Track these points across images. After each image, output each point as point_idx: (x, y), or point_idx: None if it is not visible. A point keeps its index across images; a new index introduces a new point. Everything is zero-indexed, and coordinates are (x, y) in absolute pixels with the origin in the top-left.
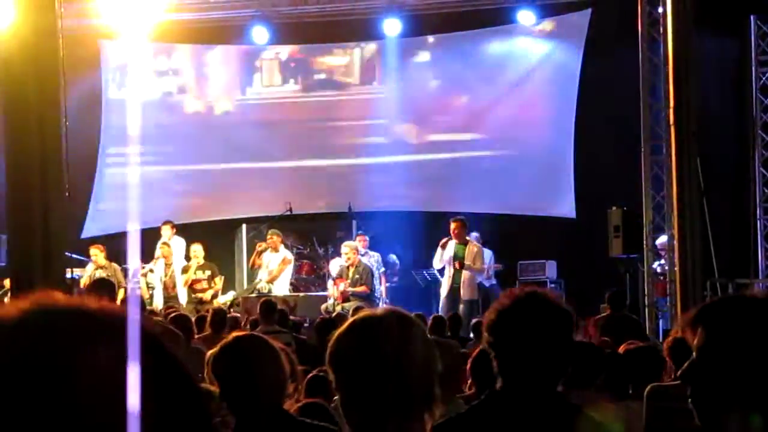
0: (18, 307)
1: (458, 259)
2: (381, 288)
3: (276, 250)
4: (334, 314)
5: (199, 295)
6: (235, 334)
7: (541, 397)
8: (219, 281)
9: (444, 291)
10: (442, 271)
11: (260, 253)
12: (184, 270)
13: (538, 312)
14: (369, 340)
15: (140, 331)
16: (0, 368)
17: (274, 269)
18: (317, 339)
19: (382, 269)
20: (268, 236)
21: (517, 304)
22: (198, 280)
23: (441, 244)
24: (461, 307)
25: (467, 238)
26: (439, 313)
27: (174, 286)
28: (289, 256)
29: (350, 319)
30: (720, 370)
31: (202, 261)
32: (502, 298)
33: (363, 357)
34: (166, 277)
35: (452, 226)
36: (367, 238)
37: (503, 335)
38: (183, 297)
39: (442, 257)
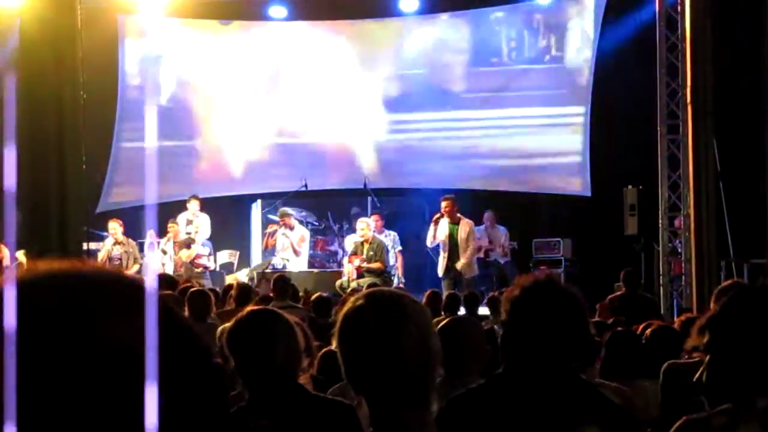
0: (40, 269)
1: (451, 237)
2: (398, 266)
3: (291, 227)
4: (348, 290)
5: (202, 270)
6: (249, 308)
7: (556, 373)
8: (212, 259)
9: (440, 271)
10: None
11: (272, 234)
12: (187, 244)
13: (556, 294)
14: (363, 320)
15: (158, 303)
16: (21, 322)
17: (293, 246)
18: (316, 315)
19: (399, 248)
20: (279, 216)
21: (537, 286)
22: (200, 255)
23: (434, 220)
24: (463, 283)
25: (459, 215)
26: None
27: (182, 264)
28: (305, 232)
29: (354, 298)
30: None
31: (205, 238)
32: (522, 279)
33: (358, 335)
34: (175, 255)
35: (443, 204)
36: (383, 217)
37: (525, 312)
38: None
39: (436, 235)
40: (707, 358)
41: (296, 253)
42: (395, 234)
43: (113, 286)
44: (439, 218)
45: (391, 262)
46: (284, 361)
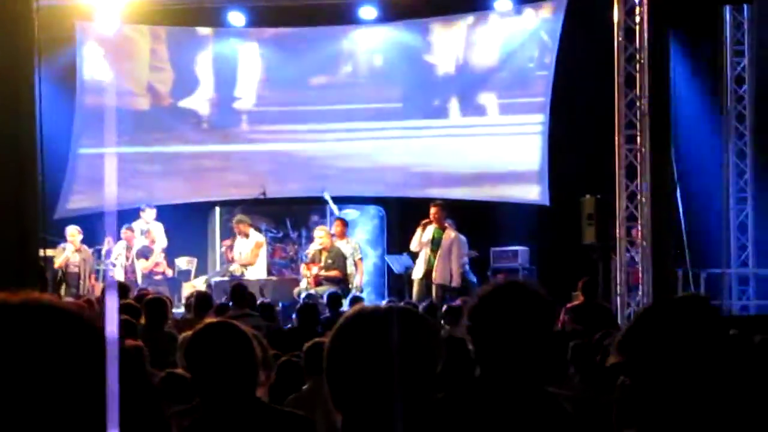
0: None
1: (435, 243)
2: (358, 275)
3: (246, 235)
4: (303, 297)
5: (158, 277)
6: (206, 320)
7: (520, 385)
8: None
9: (418, 273)
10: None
11: (230, 247)
12: (145, 255)
13: (520, 300)
14: (368, 337)
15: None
16: None
17: (248, 254)
18: (299, 323)
19: (359, 256)
20: (235, 224)
21: (498, 292)
22: (158, 263)
23: (423, 223)
24: (434, 290)
25: (446, 223)
26: (412, 298)
27: (134, 271)
28: (261, 238)
29: (349, 312)
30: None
31: (164, 244)
32: (484, 286)
33: (363, 353)
34: (127, 261)
35: (432, 210)
36: (347, 223)
37: (483, 322)
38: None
39: (421, 239)
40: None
41: (244, 259)
42: (356, 241)
43: (74, 329)
44: (427, 223)
45: (350, 270)
46: (240, 374)
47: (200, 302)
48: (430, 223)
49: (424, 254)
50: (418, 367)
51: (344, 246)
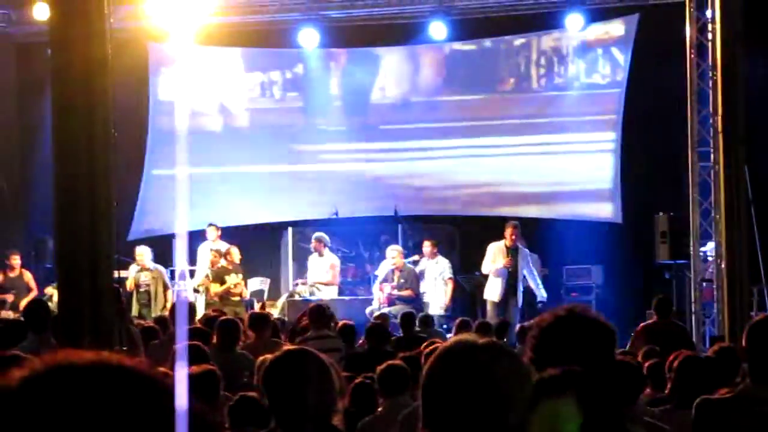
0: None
1: (513, 263)
2: (447, 294)
3: (321, 254)
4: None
5: (235, 299)
6: (286, 347)
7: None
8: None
9: (496, 296)
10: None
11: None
12: (222, 274)
13: (580, 330)
14: (461, 371)
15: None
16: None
17: (321, 273)
18: (368, 344)
19: (449, 275)
20: (314, 239)
21: (558, 323)
22: (237, 284)
23: (507, 247)
24: (510, 312)
25: (517, 243)
26: (487, 319)
27: (216, 295)
28: (336, 260)
29: (445, 346)
30: None
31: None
32: (544, 315)
33: (453, 388)
34: (209, 282)
35: (510, 230)
36: (438, 244)
37: (546, 354)
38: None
39: (495, 262)
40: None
41: (319, 278)
42: (446, 261)
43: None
44: (509, 246)
45: (438, 289)
46: (317, 402)
47: (255, 322)
48: (507, 242)
49: (501, 277)
50: (510, 405)
51: (434, 266)
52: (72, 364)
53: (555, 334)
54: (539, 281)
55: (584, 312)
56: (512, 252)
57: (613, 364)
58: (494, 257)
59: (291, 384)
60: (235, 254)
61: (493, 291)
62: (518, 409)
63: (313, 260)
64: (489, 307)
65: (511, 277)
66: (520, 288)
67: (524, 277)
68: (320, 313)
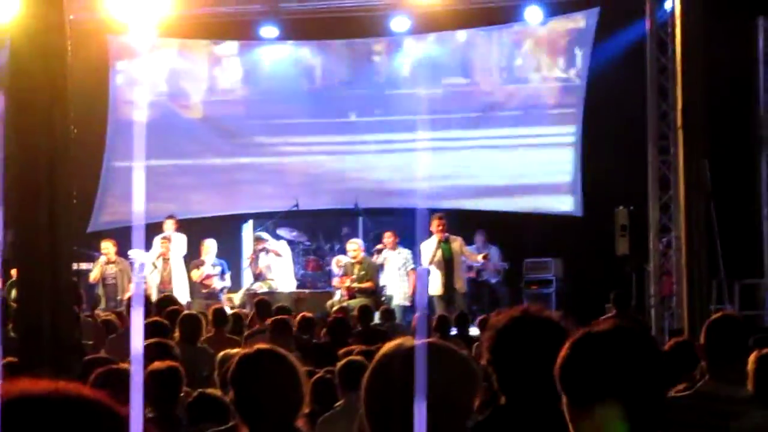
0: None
1: (446, 256)
2: (409, 285)
3: (267, 250)
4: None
5: (208, 290)
6: (257, 346)
7: (545, 410)
8: (228, 277)
9: (436, 290)
10: None
11: (254, 261)
12: (197, 266)
13: (536, 331)
14: (404, 376)
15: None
16: None
17: (273, 265)
18: (330, 337)
19: (411, 266)
20: (254, 240)
21: (514, 324)
22: (209, 276)
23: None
24: (458, 302)
25: (447, 234)
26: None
27: (170, 281)
28: (281, 248)
29: (386, 351)
30: None
31: (214, 258)
32: (500, 316)
33: (393, 394)
34: (164, 272)
35: (437, 222)
36: (398, 234)
37: (503, 355)
38: (185, 292)
39: (433, 258)
40: None
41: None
42: (408, 252)
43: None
44: (440, 240)
45: (401, 280)
46: (285, 404)
47: (217, 317)
48: (435, 234)
49: (438, 269)
50: (452, 401)
51: (395, 256)
52: (29, 396)
53: (511, 335)
54: (464, 272)
55: (539, 312)
56: (444, 245)
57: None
58: (428, 254)
59: (259, 382)
60: (207, 247)
61: (435, 286)
62: (460, 407)
63: (262, 257)
64: (436, 302)
65: (447, 270)
66: (463, 276)
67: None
68: (266, 306)
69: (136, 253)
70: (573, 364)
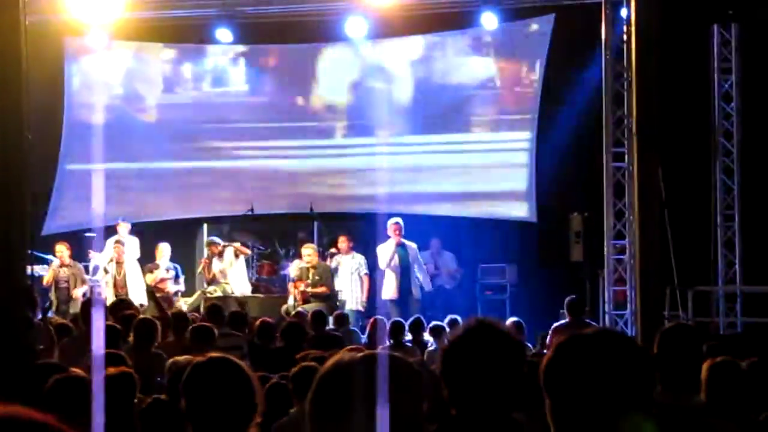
0: None
1: (402, 260)
2: (363, 290)
3: (220, 255)
4: (293, 314)
5: (162, 294)
6: (210, 354)
7: (495, 422)
8: (182, 281)
9: (391, 294)
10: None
11: (207, 267)
12: (151, 269)
13: (489, 344)
14: (348, 391)
15: None
16: None
17: (227, 269)
18: (285, 342)
19: (365, 271)
20: (206, 245)
21: (467, 336)
22: (164, 280)
23: (390, 247)
24: (412, 307)
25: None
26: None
27: (124, 285)
28: (232, 257)
29: (329, 365)
30: None
31: (168, 261)
32: (454, 330)
33: (344, 406)
34: (118, 275)
35: (395, 226)
36: (352, 238)
37: (456, 368)
38: (139, 295)
39: (389, 261)
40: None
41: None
42: (362, 257)
43: None
44: (397, 244)
45: (354, 285)
46: (237, 415)
47: (178, 324)
48: (391, 240)
49: (394, 273)
50: (401, 411)
51: (349, 261)
52: None
53: (464, 346)
54: (426, 275)
55: (494, 325)
56: (400, 249)
57: (521, 375)
58: (385, 257)
59: (211, 392)
60: (161, 250)
61: (389, 290)
62: (409, 420)
63: (215, 262)
64: (389, 306)
65: (403, 275)
66: (416, 283)
67: (415, 271)
68: (217, 311)
69: (94, 256)
70: (557, 366)
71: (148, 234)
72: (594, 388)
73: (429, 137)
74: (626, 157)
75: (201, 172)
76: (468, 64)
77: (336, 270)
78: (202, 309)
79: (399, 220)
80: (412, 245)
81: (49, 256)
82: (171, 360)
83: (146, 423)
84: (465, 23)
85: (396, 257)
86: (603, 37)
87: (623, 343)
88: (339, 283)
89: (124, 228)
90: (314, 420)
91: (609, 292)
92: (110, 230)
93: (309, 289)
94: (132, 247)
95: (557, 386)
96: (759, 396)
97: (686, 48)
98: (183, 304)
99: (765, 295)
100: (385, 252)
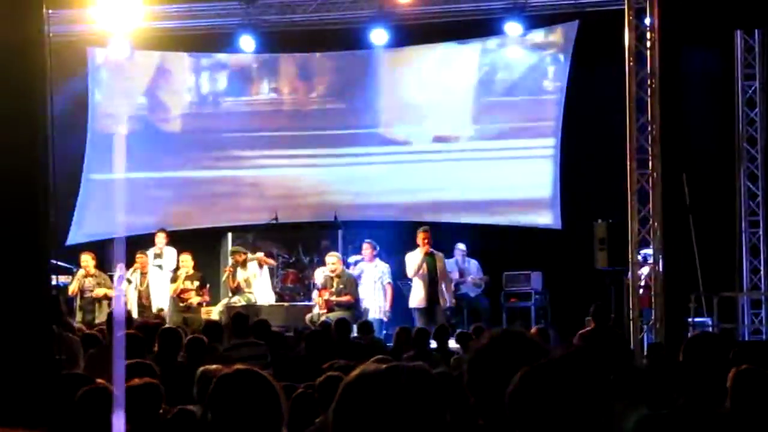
0: None
1: (430, 268)
2: (387, 299)
3: (244, 265)
4: (318, 324)
5: (186, 304)
6: (237, 367)
7: None
8: (206, 291)
9: (418, 302)
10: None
11: (232, 276)
12: (173, 280)
13: (516, 352)
14: (371, 402)
15: None
16: None
17: (251, 279)
18: (307, 351)
19: (388, 279)
20: (231, 254)
21: (493, 343)
22: (186, 290)
23: (418, 256)
24: (438, 315)
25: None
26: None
27: (148, 296)
28: (256, 270)
29: (354, 375)
30: None
31: (191, 271)
32: (479, 338)
33: (367, 416)
34: (141, 286)
35: (423, 235)
36: (376, 247)
37: (480, 374)
38: (165, 305)
39: (417, 268)
40: None
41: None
42: (386, 265)
43: None
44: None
45: (377, 294)
46: (262, 425)
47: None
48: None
49: (422, 281)
50: (423, 423)
51: (372, 269)
52: None
53: (490, 355)
54: (451, 287)
55: (520, 333)
56: (429, 258)
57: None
58: (414, 266)
59: (237, 403)
60: (184, 261)
61: (416, 298)
62: (432, 428)
63: (239, 272)
64: (416, 315)
65: (431, 283)
66: (444, 291)
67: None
68: (241, 320)
69: (119, 267)
70: (521, 396)
71: (173, 243)
72: (554, 417)
73: (453, 144)
74: (650, 163)
75: (225, 181)
76: (491, 71)
77: (359, 277)
78: (224, 318)
79: (427, 228)
80: (440, 255)
81: (75, 267)
82: (201, 369)
83: None
84: (489, 31)
85: (425, 266)
86: (626, 43)
87: (584, 369)
88: (362, 291)
89: (162, 238)
90: (337, 430)
91: (633, 298)
92: (135, 240)
93: (333, 298)
94: (169, 257)
95: (520, 415)
96: None
97: (709, 54)
98: (213, 314)
99: None
100: (414, 260)
